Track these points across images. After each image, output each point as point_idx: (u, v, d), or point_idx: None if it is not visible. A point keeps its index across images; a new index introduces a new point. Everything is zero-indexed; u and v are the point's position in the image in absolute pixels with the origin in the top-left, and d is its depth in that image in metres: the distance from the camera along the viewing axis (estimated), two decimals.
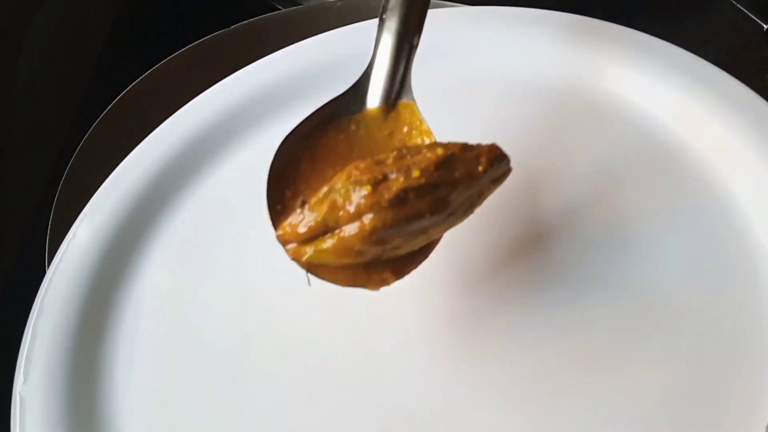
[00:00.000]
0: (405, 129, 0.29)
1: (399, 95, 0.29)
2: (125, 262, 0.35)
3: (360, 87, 0.29)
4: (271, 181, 0.27)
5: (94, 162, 0.37)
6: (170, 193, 0.37)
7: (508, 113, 0.36)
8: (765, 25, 0.41)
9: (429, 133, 0.29)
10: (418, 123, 0.29)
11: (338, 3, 0.45)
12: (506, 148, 0.26)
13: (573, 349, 0.28)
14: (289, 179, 0.27)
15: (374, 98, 0.29)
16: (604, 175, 0.33)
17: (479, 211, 0.27)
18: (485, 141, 0.33)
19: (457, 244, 0.30)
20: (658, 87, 0.34)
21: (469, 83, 0.37)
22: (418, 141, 0.28)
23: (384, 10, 0.28)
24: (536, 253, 0.31)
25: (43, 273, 0.34)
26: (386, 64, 0.29)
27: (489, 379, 0.28)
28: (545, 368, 0.28)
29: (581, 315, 0.29)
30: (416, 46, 0.29)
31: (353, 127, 0.28)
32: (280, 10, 0.48)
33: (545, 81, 0.36)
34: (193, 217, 0.36)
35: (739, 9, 0.42)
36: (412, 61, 0.29)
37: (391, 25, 0.28)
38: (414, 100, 0.29)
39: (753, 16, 0.41)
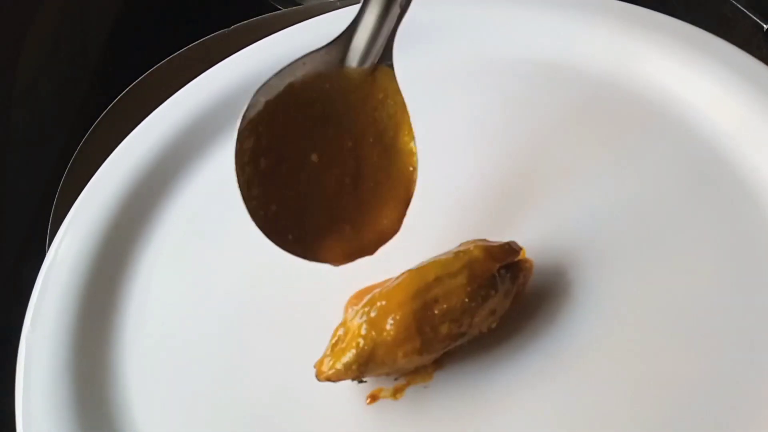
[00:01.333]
0: (380, 96, 0.27)
1: (379, 59, 0.27)
2: (143, 215, 0.35)
3: (340, 44, 0.27)
4: (244, 133, 0.26)
5: (94, 162, 0.37)
6: (190, 156, 0.38)
7: (532, 95, 0.36)
8: (765, 25, 0.41)
9: (404, 106, 0.28)
10: (394, 92, 0.27)
11: (338, 3, 0.46)
12: (529, 129, 0.30)
13: (591, 343, 0.28)
14: (262, 136, 0.26)
15: (353, 59, 0.27)
16: (624, 157, 0.33)
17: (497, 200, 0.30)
18: (506, 125, 0.35)
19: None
20: (677, 66, 0.35)
21: (489, 64, 0.38)
22: (392, 112, 0.28)
23: None
24: (558, 236, 0.31)
25: None
26: (371, 24, 0.26)
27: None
28: (566, 359, 0.28)
29: (600, 306, 0.29)
30: (406, 9, 0.26)
31: (327, 86, 0.27)
32: (280, 10, 0.48)
33: (567, 63, 0.37)
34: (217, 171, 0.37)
35: (739, 9, 0.42)
36: (399, 24, 0.27)
37: None
38: (392, 67, 0.27)
39: (753, 16, 0.41)
